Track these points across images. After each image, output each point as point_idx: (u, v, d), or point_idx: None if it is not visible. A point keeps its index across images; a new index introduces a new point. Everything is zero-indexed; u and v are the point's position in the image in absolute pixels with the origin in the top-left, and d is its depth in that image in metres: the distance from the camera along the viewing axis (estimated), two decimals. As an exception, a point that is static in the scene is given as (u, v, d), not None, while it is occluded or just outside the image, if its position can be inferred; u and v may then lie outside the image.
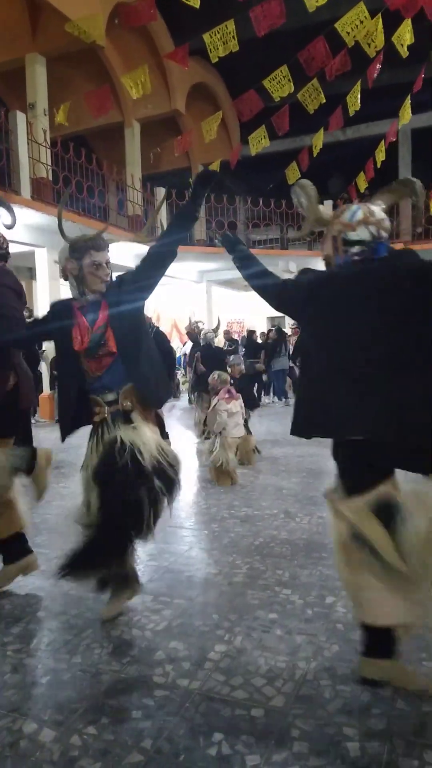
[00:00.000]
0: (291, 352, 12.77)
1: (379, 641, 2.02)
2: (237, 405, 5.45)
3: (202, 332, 9.72)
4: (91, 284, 2.55)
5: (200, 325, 10.57)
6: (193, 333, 10.27)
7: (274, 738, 1.83)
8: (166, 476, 2.45)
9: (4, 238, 2.98)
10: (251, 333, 13.59)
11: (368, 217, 2.05)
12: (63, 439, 2.73)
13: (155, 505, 2.44)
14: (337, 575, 3.02)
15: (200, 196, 2.62)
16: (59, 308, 2.69)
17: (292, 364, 13.02)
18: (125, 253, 13.27)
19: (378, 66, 7.86)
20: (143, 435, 2.46)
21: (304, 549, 3.47)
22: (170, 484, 2.47)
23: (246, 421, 5.77)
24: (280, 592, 2.86)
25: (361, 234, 2.05)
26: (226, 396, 5.43)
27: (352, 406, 1.95)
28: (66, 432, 2.74)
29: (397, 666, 2.04)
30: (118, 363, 2.54)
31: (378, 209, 2.10)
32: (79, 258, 2.54)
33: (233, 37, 7.69)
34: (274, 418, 10.08)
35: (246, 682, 2.12)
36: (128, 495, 2.35)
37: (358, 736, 1.82)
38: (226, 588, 2.95)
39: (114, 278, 2.62)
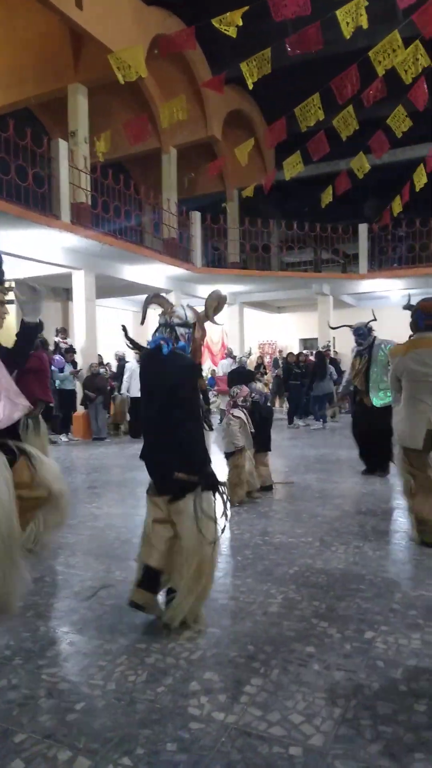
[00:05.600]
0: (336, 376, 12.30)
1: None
2: (241, 414, 5.44)
3: (237, 357, 10.87)
4: None
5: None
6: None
7: (314, 779, 1.77)
8: None
9: None
10: (290, 355, 13.49)
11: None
12: None
13: None
14: (376, 609, 2.95)
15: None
16: None
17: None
18: (159, 275, 13.50)
19: (425, 90, 7.87)
20: None
21: (341, 580, 3.40)
22: None
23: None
24: (317, 625, 2.79)
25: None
26: (231, 406, 5.49)
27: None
28: None
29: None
30: None
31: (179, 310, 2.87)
32: None
33: (268, 62, 7.83)
34: (309, 443, 9.98)
35: (283, 718, 2.07)
36: None
37: (402, 782, 1.75)
38: (260, 618, 2.90)
39: None
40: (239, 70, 8.10)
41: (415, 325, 4.22)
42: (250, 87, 7.98)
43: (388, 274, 15.03)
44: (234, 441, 5.31)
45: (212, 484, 2.70)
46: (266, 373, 16.21)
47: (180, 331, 2.81)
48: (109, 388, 11.42)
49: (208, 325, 2.99)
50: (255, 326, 19.02)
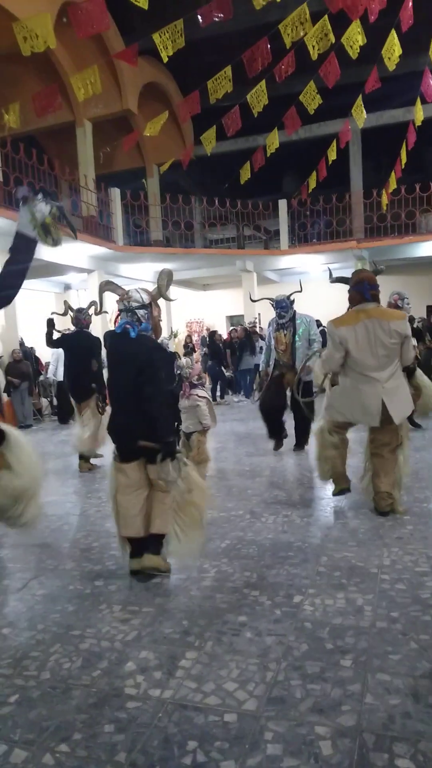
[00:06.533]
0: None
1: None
2: (205, 393, 5.44)
3: (159, 338, 10.38)
4: None
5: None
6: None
7: (248, 742, 1.84)
8: None
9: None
10: (213, 333, 13.55)
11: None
12: None
13: None
14: (304, 573, 3.08)
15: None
16: None
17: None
18: (80, 254, 13.11)
19: (336, 66, 7.94)
20: None
21: (271, 549, 3.51)
22: None
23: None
24: (248, 594, 2.88)
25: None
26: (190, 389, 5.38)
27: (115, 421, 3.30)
28: None
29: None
30: None
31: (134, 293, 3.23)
32: None
33: (181, 35, 7.66)
34: (237, 418, 10.14)
35: (218, 687, 2.14)
36: None
37: (330, 733, 1.86)
38: (195, 593, 2.95)
39: None
40: (153, 41, 7.89)
41: (361, 296, 4.08)
42: (165, 60, 7.80)
43: (308, 249, 15.33)
44: (203, 421, 5.23)
45: (170, 452, 3.04)
46: (195, 351, 16.25)
47: (140, 313, 3.18)
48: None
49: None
50: (181, 305, 18.91)
